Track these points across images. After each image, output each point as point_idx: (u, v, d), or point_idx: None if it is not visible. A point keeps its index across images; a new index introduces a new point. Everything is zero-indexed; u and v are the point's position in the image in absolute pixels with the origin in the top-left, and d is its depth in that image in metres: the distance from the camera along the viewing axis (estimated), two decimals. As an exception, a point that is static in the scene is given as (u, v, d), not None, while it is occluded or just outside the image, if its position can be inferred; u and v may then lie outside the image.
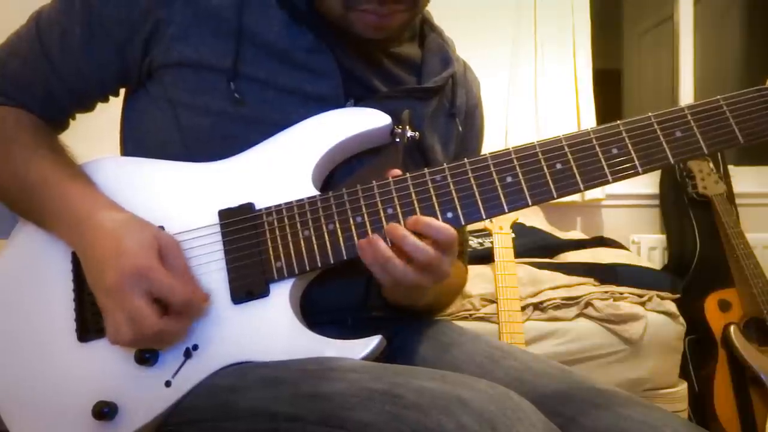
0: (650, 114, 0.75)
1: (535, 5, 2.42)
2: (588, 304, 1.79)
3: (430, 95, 0.90)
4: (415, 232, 0.73)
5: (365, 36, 0.81)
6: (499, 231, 1.71)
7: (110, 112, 0.95)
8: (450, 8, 1.32)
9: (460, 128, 0.96)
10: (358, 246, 0.75)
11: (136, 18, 0.81)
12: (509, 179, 0.75)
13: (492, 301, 1.73)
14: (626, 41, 3.81)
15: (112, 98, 0.92)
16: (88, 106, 0.91)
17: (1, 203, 0.86)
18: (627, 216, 2.61)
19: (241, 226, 0.78)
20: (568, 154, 0.74)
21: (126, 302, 0.70)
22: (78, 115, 0.93)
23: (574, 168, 0.74)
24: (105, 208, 0.77)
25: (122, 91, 0.91)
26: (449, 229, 0.73)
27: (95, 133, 1.11)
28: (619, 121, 0.75)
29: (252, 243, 0.77)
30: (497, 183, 0.75)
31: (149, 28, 0.81)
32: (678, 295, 1.89)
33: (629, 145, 0.74)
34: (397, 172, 0.77)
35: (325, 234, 0.76)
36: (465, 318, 1.73)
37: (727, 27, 3.59)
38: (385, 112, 0.82)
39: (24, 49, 0.86)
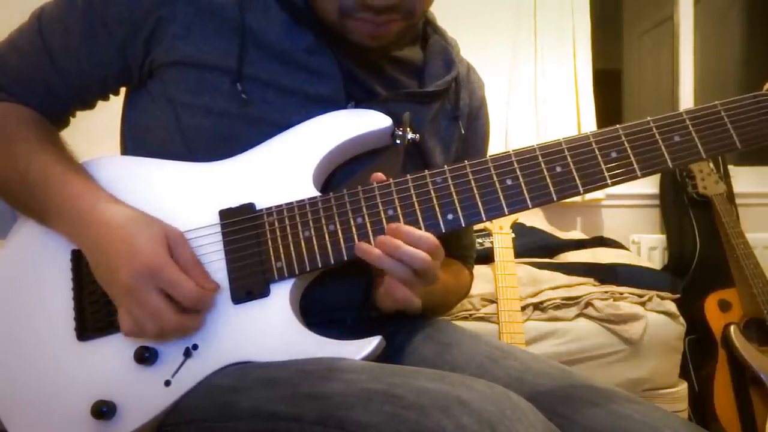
0: (649, 118, 0.75)
1: (535, 6, 2.42)
2: (588, 304, 1.79)
3: (432, 99, 0.90)
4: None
5: (362, 44, 0.82)
6: (499, 231, 1.70)
7: (110, 111, 0.95)
8: (450, 9, 1.31)
9: (463, 130, 0.95)
10: (356, 248, 0.75)
11: (138, 17, 0.81)
12: (509, 182, 0.75)
13: (492, 301, 1.73)
14: (626, 41, 3.81)
15: (112, 97, 0.92)
16: (88, 103, 0.91)
17: (1, 201, 0.86)
18: (627, 216, 2.61)
19: (241, 226, 0.78)
20: (568, 157, 0.75)
21: (144, 300, 0.72)
22: (78, 115, 0.93)
23: (574, 171, 0.74)
24: (108, 202, 0.78)
25: (123, 89, 0.91)
26: (429, 238, 0.74)
27: (95, 132, 1.12)
28: (618, 126, 0.76)
29: (252, 243, 0.77)
30: (497, 185, 0.75)
31: (151, 27, 0.81)
32: (678, 295, 1.89)
33: (628, 150, 0.74)
34: (381, 176, 0.78)
35: (326, 234, 0.77)
36: (465, 318, 1.73)
37: (727, 27, 3.59)
38: (386, 114, 0.82)
39: (25, 45, 0.85)
